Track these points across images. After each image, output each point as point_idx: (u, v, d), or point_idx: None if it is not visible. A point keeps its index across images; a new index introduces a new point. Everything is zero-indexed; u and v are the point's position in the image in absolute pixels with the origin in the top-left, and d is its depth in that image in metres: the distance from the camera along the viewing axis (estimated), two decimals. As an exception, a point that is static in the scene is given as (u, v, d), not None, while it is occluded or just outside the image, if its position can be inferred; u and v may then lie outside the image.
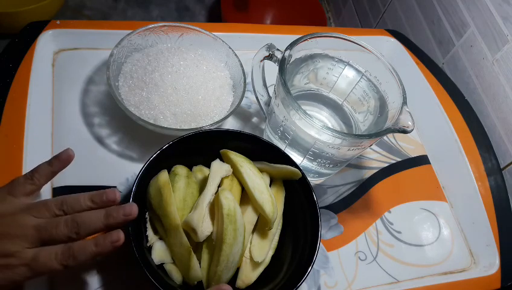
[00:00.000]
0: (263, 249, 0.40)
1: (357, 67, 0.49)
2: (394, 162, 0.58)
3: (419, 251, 0.51)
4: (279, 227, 0.43)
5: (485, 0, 0.64)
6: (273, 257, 0.41)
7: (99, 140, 0.49)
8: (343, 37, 0.47)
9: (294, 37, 0.45)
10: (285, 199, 0.44)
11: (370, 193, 0.54)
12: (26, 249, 0.31)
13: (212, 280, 0.37)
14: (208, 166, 0.41)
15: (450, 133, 0.59)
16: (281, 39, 0.54)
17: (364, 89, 0.49)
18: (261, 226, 0.41)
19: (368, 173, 0.56)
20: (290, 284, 0.37)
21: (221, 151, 0.43)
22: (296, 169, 0.42)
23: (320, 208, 0.42)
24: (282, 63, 0.43)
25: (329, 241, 0.49)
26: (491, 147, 0.59)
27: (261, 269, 0.40)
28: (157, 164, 0.40)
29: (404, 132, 0.41)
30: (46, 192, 0.44)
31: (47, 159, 0.45)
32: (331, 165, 0.47)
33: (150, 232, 0.38)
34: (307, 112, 0.40)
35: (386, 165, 0.58)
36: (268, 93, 0.52)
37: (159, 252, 0.38)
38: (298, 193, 0.43)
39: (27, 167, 0.42)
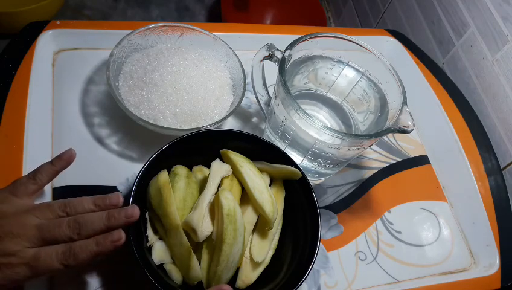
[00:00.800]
0: (263, 249, 0.40)
1: (357, 67, 0.49)
2: (394, 162, 0.58)
3: (419, 251, 0.51)
4: (279, 227, 0.43)
5: (485, 0, 0.64)
6: (273, 257, 0.41)
7: (99, 140, 0.49)
8: (343, 37, 0.47)
9: (294, 37, 0.45)
10: (285, 199, 0.44)
11: (370, 193, 0.54)
12: (27, 249, 0.31)
13: (212, 280, 0.37)
14: (208, 166, 0.41)
15: (450, 133, 0.59)
16: (281, 39, 0.54)
17: (364, 89, 0.49)
18: (261, 226, 0.41)
19: (368, 173, 0.56)
20: (290, 284, 0.37)
21: (221, 151, 0.43)
22: (296, 169, 0.42)
23: (320, 208, 0.42)
24: (282, 63, 0.43)
25: (329, 241, 0.49)
26: (491, 147, 0.59)
27: (261, 269, 0.40)
28: (157, 164, 0.40)
29: (404, 132, 0.41)
30: (46, 192, 0.44)
31: (47, 159, 0.45)
32: (331, 165, 0.47)
33: (150, 232, 0.38)
34: (307, 112, 0.40)
35: (386, 165, 0.58)
36: (268, 93, 0.52)
37: (159, 252, 0.38)
38: (298, 193, 0.43)
39: (27, 167, 0.42)
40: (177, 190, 0.39)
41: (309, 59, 0.49)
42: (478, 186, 0.54)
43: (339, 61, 0.49)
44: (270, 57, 0.46)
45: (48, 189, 0.44)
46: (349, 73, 0.50)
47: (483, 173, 0.56)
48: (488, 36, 0.64)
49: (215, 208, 0.38)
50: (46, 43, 0.53)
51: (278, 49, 0.45)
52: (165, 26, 0.52)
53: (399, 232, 0.52)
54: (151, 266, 0.36)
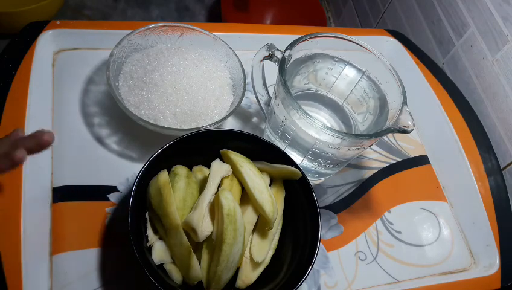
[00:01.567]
0: (263, 249, 0.40)
1: (357, 67, 0.49)
2: (394, 162, 0.58)
3: (419, 251, 0.51)
4: (279, 227, 0.43)
5: (485, 0, 0.64)
6: (273, 257, 0.41)
7: (99, 140, 0.49)
8: (343, 37, 0.47)
9: (294, 37, 0.45)
10: (285, 199, 0.44)
11: (370, 193, 0.54)
12: None
13: (212, 279, 0.37)
14: (208, 166, 0.41)
15: (450, 133, 0.59)
16: (281, 39, 0.54)
17: (364, 89, 0.49)
18: (261, 226, 0.41)
19: (368, 173, 0.56)
20: (290, 284, 0.37)
21: (221, 151, 0.43)
22: (296, 169, 0.42)
23: (320, 208, 0.42)
24: (282, 63, 0.43)
25: (329, 241, 0.49)
26: (491, 147, 0.59)
27: (261, 269, 0.40)
28: (157, 164, 0.40)
29: (404, 132, 0.41)
30: (46, 192, 0.44)
31: (47, 159, 0.46)
32: (331, 165, 0.47)
33: (150, 232, 0.38)
34: (307, 112, 0.40)
35: (386, 165, 0.58)
36: (268, 93, 0.52)
37: (159, 252, 0.38)
38: (298, 193, 0.43)
39: (27, 167, 0.42)
40: (177, 190, 0.39)
41: (309, 59, 0.49)
42: (478, 186, 0.54)
43: (339, 61, 0.49)
44: (270, 57, 0.46)
45: (48, 189, 0.44)
46: (349, 73, 0.50)
47: (483, 173, 0.56)
48: (488, 36, 0.64)
49: (215, 208, 0.38)
50: (46, 43, 0.53)
51: (278, 49, 0.45)
52: (165, 26, 0.52)
53: (399, 232, 0.52)
54: (151, 266, 0.36)
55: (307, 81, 0.51)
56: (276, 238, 0.42)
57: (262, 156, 0.44)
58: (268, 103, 0.51)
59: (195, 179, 0.42)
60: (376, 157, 0.58)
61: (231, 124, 0.55)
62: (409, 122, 0.41)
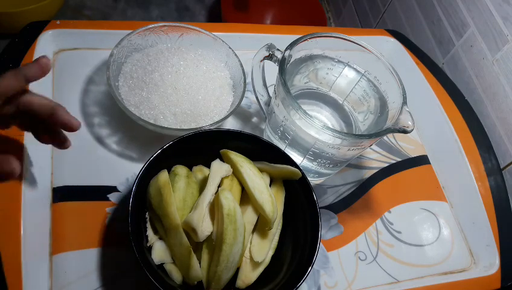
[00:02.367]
0: (263, 249, 0.40)
1: (357, 67, 0.49)
2: (394, 162, 0.58)
3: (419, 251, 0.51)
4: (279, 227, 0.43)
5: (485, 0, 0.64)
6: (273, 257, 0.41)
7: (99, 140, 0.49)
8: (343, 37, 0.47)
9: (294, 37, 0.45)
10: (285, 199, 0.44)
11: (370, 193, 0.54)
12: None
13: (212, 279, 0.37)
14: (208, 166, 0.41)
15: (450, 133, 0.59)
16: (281, 39, 0.54)
17: (364, 89, 0.49)
18: (261, 226, 0.41)
19: (368, 173, 0.56)
20: (290, 284, 0.37)
21: (221, 151, 0.43)
22: (296, 169, 0.42)
23: (320, 208, 0.42)
24: (282, 63, 0.43)
25: (329, 241, 0.49)
26: (491, 147, 0.59)
27: (261, 269, 0.40)
28: (157, 164, 0.40)
29: (404, 132, 0.41)
30: (46, 192, 0.44)
31: (47, 159, 0.46)
32: (331, 165, 0.47)
33: (150, 232, 0.38)
34: (307, 111, 0.40)
35: (386, 165, 0.58)
36: (268, 93, 0.52)
37: (159, 252, 0.38)
38: (298, 193, 0.43)
39: (27, 167, 0.42)
40: (177, 190, 0.39)
41: (309, 59, 0.49)
42: (478, 186, 0.54)
43: (339, 61, 0.49)
44: (270, 57, 0.46)
45: (48, 189, 0.44)
46: (349, 73, 0.50)
47: (483, 173, 0.56)
48: (488, 36, 0.64)
49: (215, 208, 0.38)
50: (46, 43, 0.53)
51: (278, 49, 0.45)
52: (165, 26, 0.52)
53: (399, 232, 0.52)
54: (151, 266, 0.36)
55: (307, 80, 0.51)
56: (276, 238, 0.42)
57: (262, 156, 0.44)
58: (268, 103, 0.51)
59: (195, 179, 0.42)
60: (376, 157, 0.58)
61: (231, 124, 0.55)
62: (409, 122, 0.41)
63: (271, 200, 0.39)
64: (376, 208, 0.53)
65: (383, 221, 0.52)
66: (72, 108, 0.50)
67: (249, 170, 0.41)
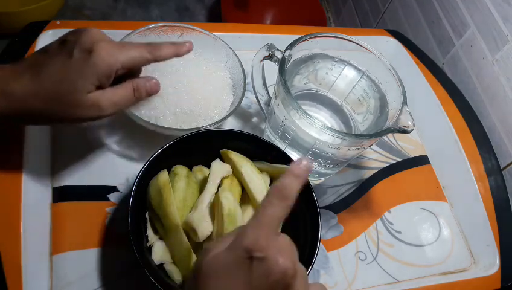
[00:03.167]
0: (263, 249, 0.40)
1: (357, 67, 0.49)
2: (394, 162, 0.58)
3: (419, 251, 0.51)
4: (279, 227, 0.43)
5: (485, 0, 0.64)
6: (273, 257, 0.41)
7: (99, 140, 0.49)
8: (343, 37, 0.47)
9: (294, 37, 0.45)
10: (285, 199, 0.43)
11: (370, 193, 0.54)
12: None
13: (212, 280, 0.37)
14: (208, 166, 0.41)
15: (450, 133, 0.59)
16: (281, 39, 0.53)
17: (364, 89, 0.49)
18: (261, 226, 0.41)
19: (368, 173, 0.56)
20: (290, 284, 0.37)
21: (221, 151, 0.43)
22: (296, 169, 0.42)
23: (320, 208, 0.42)
24: (282, 63, 0.43)
25: (329, 241, 0.49)
26: (491, 147, 0.59)
27: (261, 269, 0.40)
28: (157, 164, 0.40)
29: (404, 132, 0.41)
30: (46, 192, 0.44)
31: (47, 159, 0.46)
32: (331, 165, 0.47)
33: (150, 232, 0.38)
34: (307, 112, 0.40)
35: (386, 165, 0.57)
36: (268, 93, 0.52)
37: (159, 252, 0.38)
38: (298, 193, 0.43)
39: (27, 167, 0.42)
40: (177, 190, 0.39)
41: (309, 59, 0.49)
42: (478, 186, 0.54)
43: (339, 61, 0.49)
44: (270, 57, 0.46)
45: (48, 189, 0.44)
46: (349, 73, 0.50)
47: (483, 173, 0.56)
48: (488, 36, 0.64)
49: (215, 208, 0.38)
50: (46, 43, 0.53)
51: (278, 49, 0.45)
52: (165, 26, 0.52)
53: (399, 232, 0.52)
54: (151, 266, 0.36)
55: (307, 80, 0.51)
56: (276, 238, 0.42)
57: (262, 156, 0.44)
58: (268, 103, 0.51)
59: (195, 179, 0.42)
60: (376, 157, 0.58)
61: (231, 124, 0.55)
62: (409, 122, 0.41)
63: (271, 200, 0.39)
64: (376, 208, 0.53)
65: (383, 221, 0.52)
66: (72, 108, 0.50)
67: (249, 170, 0.41)
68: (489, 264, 0.51)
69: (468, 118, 0.61)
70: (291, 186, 0.26)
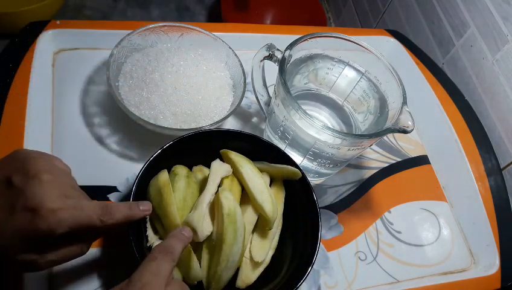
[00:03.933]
0: (263, 249, 0.40)
1: (357, 67, 0.49)
2: (394, 162, 0.58)
3: (419, 251, 0.51)
4: (279, 227, 0.43)
5: (485, 0, 0.64)
6: (273, 257, 0.41)
7: (99, 140, 0.49)
8: (343, 37, 0.47)
9: (294, 37, 0.45)
10: (285, 199, 0.44)
11: (370, 193, 0.54)
12: (67, 199, 0.31)
13: (212, 279, 0.37)
14: (208, 166, 0.41)
15: (450, 133, 0.59)
16: (281, 39, 0.54)
17: (364, 89, 0.49)
18: (261, 226, 0.41)
19: (368, 173, 0.56)
20: (290, 284, 0.37)
21: (221, 151, 0.43)
22: (296, 169, 0.42)
23: (320, 208, 0.42)
24: (282, 63, 0.43)
25: (329, 241, 0.49)
26: (491, 147, 0.59)
27: (261, 269, 0.40)
28: (157, 164, 0.40)
29: (404, 132, 0.41)
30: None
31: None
32: (331, 165, 0.47)
33: (150, 232, 0.38)
34: (307, 112, 0.40)
35: (386, 165, 0.57)
36: (268, 93, 0.52)
37: (159, 252, 0.38)
38: (298, 193, 0.43)
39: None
40: (177, 190, 0.39)
41: (309, 59, 0.49)
42: (478, 186, 0.54)
43: (339, 61, 0.49)
44: (270, 57, 0.46)
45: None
46: (349, 73, 0.50)
47: (483, 173, 0.56)
48: (488, 36, 0.64)
49: (215, 208, 0.38)
50: (46, 43, 0.53)
51: (278, 49, 0.45)
52: (165, 26, 0.52)
53: (399, 232, 0.52)
54: (151, 266, 0.36)
55: (307, 80, 0.51)
56: (276, 238, 0.42)
57: (262, 156, 0.44)
58: (268, 103, 0.51)
59: (195, 179, 0.42)
60: (376, 157, 0.58)
61: (231, 124, 0.55)
62: (409, 122, 0.41)
63: (271, 200, 0.39)
64: (376, 208, 0.53)
65: (383, 221, 0.52)
66: (72, 108, 0.50)
67: (249, 170, 0.41)
68: (489, 264, 0.51)
69: (468, 118, 0.61)
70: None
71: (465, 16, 0.69)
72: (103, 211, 0.32)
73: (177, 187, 0.39)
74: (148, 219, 0.39)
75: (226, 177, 0.41)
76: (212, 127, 0.46)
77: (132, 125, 0.49)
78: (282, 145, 0.48)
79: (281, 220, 0.43)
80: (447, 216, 0.55)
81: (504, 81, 0.61)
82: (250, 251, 0.40)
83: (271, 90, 0.50)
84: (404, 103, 0.43)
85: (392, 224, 0.52)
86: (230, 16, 1.18)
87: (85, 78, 0.53)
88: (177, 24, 0.53)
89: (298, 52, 0.47)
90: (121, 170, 0.47)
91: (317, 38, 0.46)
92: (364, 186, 0.55)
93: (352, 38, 0.47)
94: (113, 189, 0.46)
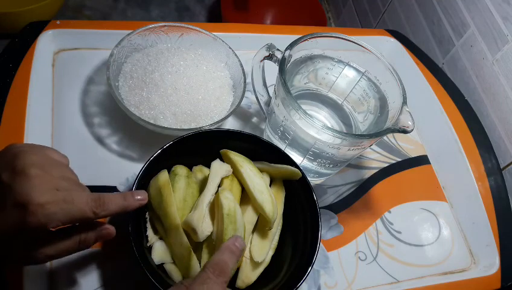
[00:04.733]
0: (263, 249, 0.40)
1: (357, 67, 0.49)
2: (394, 162, 0.58)
3: (419, 251, 0.51)
4: (279, 227, 0.43)
5: (485, 0, 0.64)
6: (273, 257, 0.41)
7: (99, 140, 0.49)
8: (343, 37, 0.47)
9: (294, 37, 0.45)
10: (285, 199, 0.44)
11: (370, 193, 0.54)
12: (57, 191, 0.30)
13: (212, 280, 0.37)
14: (208, 166, 0.41)
15: (450, 133, 0.59)
16: (281, 39, 0.54)
17: (364, 89, 0.49)
18: (261, 226, 0.41)
19: (368, 173, 0.56)
20: (290, 284, 0.37)
21: (221, 151, 0.43)
22: (296, 169, 0.42)
23: (320, 208, 0.42)
24: (282, 63, 0.43)
25: (329, 241, 0.49)
26: (491, 147, 0.59)
27: (261, 269, 0.40)
28: (157, 164, 0.40)
29: (404, 131, 0.41)
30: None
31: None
32: (331, 165, 0.47)
33: (150, 232, 0.38)
34: (307, 112, 0.40)
35: (386, 165, 0.57)
36: (268, 93, 0.52)
37: (159, 252, 0.38)
38: (298, 193, 0.43)
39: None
40: (177, 190, 0.39)
41: (309, 59, 0.49)
42: (478, 186, 0.54)
43: (339, 61, 0.49)
44: (270, 57, 0.46)
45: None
46: (349, 73, 0.50)
47: (483, 173, 0.56)
48: (488, 36, 0.64)
49: (215, 208, 0.38)
50: (46, 43, 0.53)
51: (278, 49, 0.45)
52: (165, 26, 0.52)
53: (399, 232, 0.52)
54: (151, 266, 0.36)
55: (307, 80, 0.51)
56: (276, 238, 0.42)
57: (262, 156, 0.44)
58: (268, 103, 0.51)
59: (195, 179, 0.42)
60: (376, 158, 0.58)
61: (231, 124, 0.55)
62: (409, 122, 0.41)
63: (271, 200, 0.39)
64: (376, 208, 0.53)
65: (383, 221, 0.52)
66: (72, 108, 0.50)
67: (249, 170, 0.41)
68: (489, 264, 0.51)
69: (468, 118, 0.61)
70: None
71: (465, 15, 0.69)
72: (96, 203, 0.32)
73: (177, 187, 0.39)
74: (148, 219, 0.39)
75: (226, 177, 0.41)
76: (212, 127, 0.46)
77: (132, 125, 0.49)
78: (282, 145, 0.48)
79: (281, 220, 0.43)
80: (447, 216, 0.55)
81: (504, 81, 0.61)
82: (250, 251, 0.40)
83: (271, 90, 0.50)
84: (404, 102, 0.43)
85: (392, 224, 0.52)
86: (230, 16, 1.18)
87: (85, 78, 0.53)
88: (177, 24, 0.53)
89: (298, 52, 0.47)
90: (121, 170, 0.47)
91: (317, 39, 0.46)
92: (364, 186, 0.55)
93: (352, 38, 0.47)
94: (113, 189, 0.46)
